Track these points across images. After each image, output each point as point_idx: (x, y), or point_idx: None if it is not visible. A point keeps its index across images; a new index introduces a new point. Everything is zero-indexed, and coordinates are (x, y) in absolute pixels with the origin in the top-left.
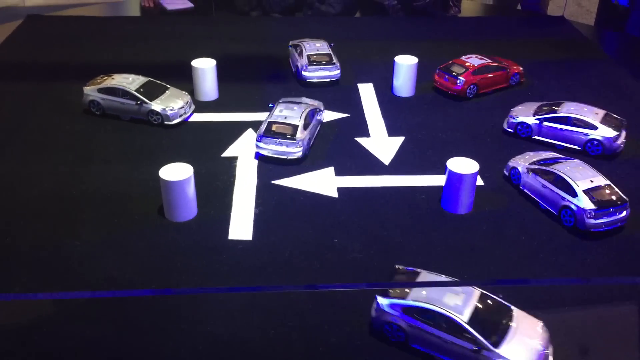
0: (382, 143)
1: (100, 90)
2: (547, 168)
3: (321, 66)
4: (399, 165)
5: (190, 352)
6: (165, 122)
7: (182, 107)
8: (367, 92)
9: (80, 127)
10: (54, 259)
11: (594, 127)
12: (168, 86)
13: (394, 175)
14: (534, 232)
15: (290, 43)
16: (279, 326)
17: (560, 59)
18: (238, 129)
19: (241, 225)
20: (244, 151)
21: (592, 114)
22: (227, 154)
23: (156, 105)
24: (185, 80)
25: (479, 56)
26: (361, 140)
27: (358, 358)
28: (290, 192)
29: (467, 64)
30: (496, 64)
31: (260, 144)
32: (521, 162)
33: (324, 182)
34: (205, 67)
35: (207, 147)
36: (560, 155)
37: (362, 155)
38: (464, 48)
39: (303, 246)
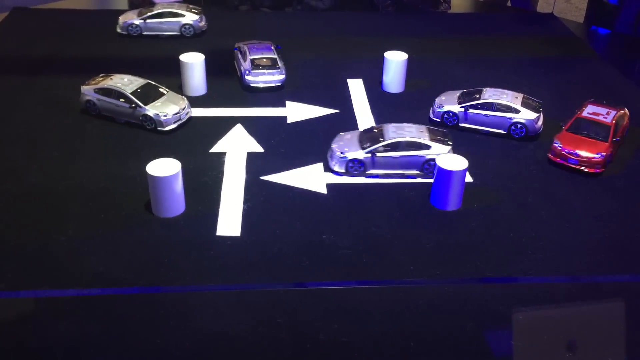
0: None
1: (97, 91)
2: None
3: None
4: None
5: (177, 349)
6: (159, 128)
7: (178, 112)
8: (356, 88)
9: (66, 122)
10: (39, 254)
11: (517, 111)
12: (166, 90)
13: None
14: (522, 229)
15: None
16: (268, 323)
17: (549, 56)
18: (226, 124)
19: (229, 221)
20: (232, 147)
21: (512, 98)
22: (215, 149)
23: (150, 110)
24: (173, 74)
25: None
26: None
27: (346, 355)
28: (279, 188)
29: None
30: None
31: (250, 77)
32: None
33: (313, 178)
34: (193, 62)
35: (195, 143)
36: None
37: None
38: (454, 44)
39: (292, 242)
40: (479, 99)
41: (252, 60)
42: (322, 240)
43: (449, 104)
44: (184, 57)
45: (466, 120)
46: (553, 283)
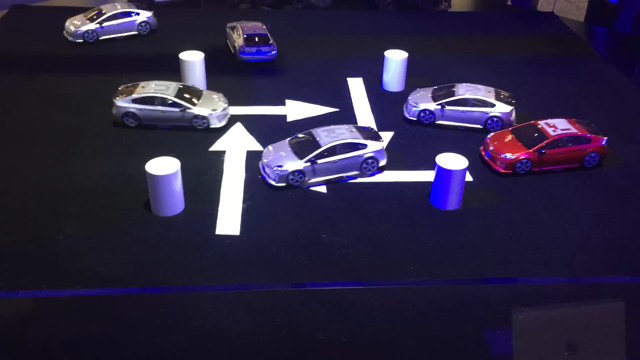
0: None
1: (136, 101)
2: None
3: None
4: (388, 161)
5: (176, 348)
6: (212, 126)
7: (225, 108)
8: (356, 87)
9: (65, 120)
10: (38, 253)
11: (492, 105)
12: (201, 89)
13: (382, 170)
14: (522, 229)
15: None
16: (267, 322)
17: (549, 55)
18: (226, 122)
19: (229, 220)
20: (232, 145)
21: (486, 92)
22: (215, 148)
23: (201, 110)
24: (173, 73)
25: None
26: None
27: (346, 354)
28: (279, 187)
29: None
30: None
31: (245, 53)
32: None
33: None
34: (193, 60)
35: (194, 141)
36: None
37: None
38: (454, 43)
39: (291, 242)
40: (454, 95)
41: (246, 37)
42: (322, 240)
43: (424, 102)
44: (184, 55)
45: (443, 117)
46: (553, 283)
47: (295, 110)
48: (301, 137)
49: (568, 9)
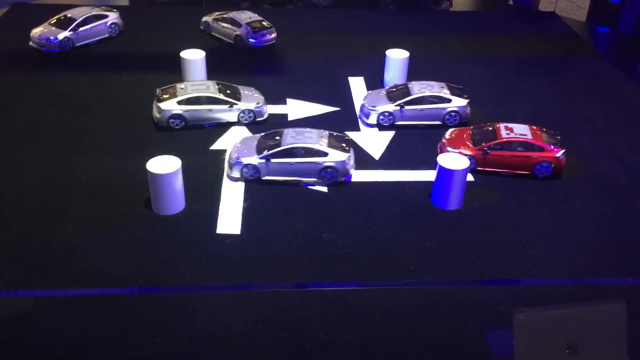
0: (372, 137)
1: (182, 102)
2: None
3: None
4: (389, 160)
5: (177, 348)
6: (258, 119)
7: (264, 101)
8: (358, 86)
9: (66, 118)
10: (38, 252)
11: (449, 100)
12: (234, 85)
13: (384, 170)
14: (523, 229)
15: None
16: (267, 321)
17: (550, 55)
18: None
19: (229, 219)
20: (233, 144)
21: (439, 88)
22: (216, 146)
23: (248, 104)
24: (173, 71)
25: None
26: (351, 134)
27: (346, 354)
28: (280, 186)
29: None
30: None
31: (252, 39)
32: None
33: None
34: (194, 59)
35: (195, 140)
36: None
37: None
38: (455, 42)
39: (292, 241)
40: (410, 94)
41: (248, 24)
42: (323, 239)
43: (381, 104)
44: (185, 54)
45: (402, 118)
46: (554, 284)
47: (297, 109)
48: (273, 135)
49: (569, 9)
